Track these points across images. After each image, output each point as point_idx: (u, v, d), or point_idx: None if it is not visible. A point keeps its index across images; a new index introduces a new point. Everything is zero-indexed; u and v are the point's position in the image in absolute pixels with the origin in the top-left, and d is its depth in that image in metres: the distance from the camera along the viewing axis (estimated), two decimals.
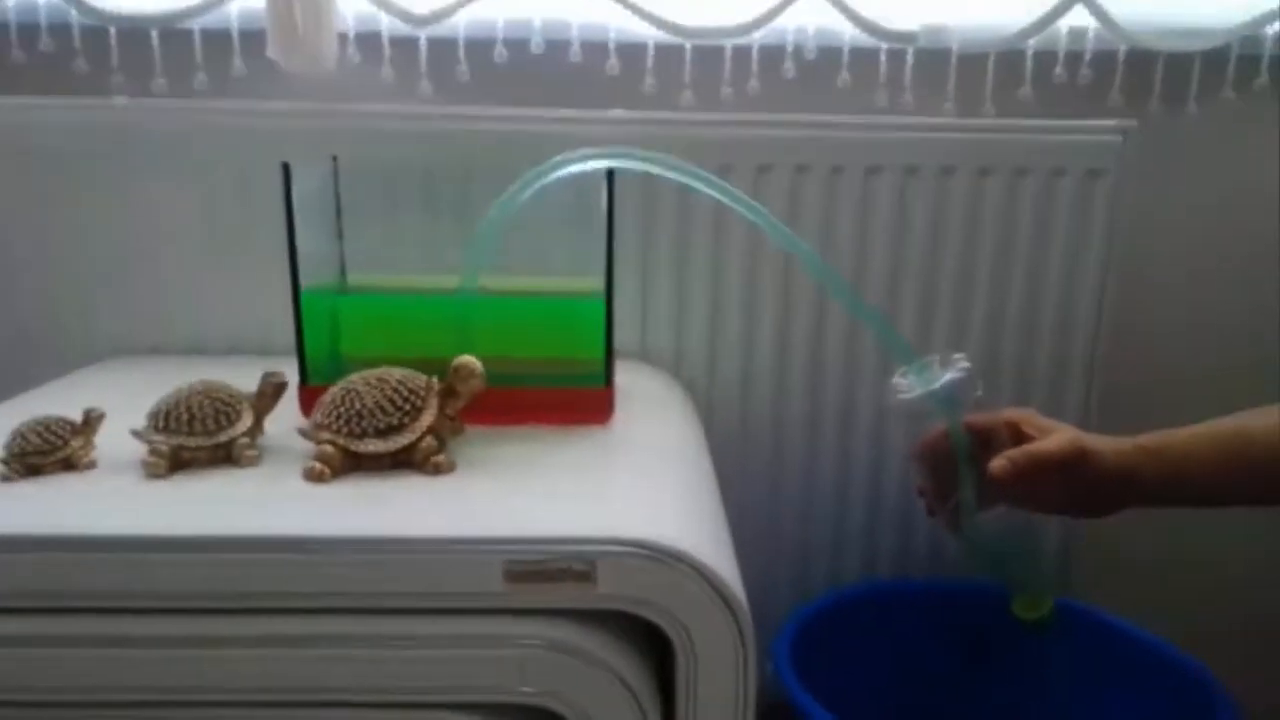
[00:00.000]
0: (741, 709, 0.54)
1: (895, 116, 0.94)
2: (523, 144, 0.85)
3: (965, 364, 0.72)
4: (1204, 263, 0.99)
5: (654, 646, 0.55)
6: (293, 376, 0.67)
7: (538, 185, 0.68)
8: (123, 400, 0.65)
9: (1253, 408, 0.67)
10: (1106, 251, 0.89)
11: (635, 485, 0.61)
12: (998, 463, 0.70)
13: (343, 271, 0.77)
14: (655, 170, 0.68)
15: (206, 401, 0.61)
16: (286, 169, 0.66)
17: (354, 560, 0.52)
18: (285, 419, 0.65)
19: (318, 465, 0.59)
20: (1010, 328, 0.91)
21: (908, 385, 0.71)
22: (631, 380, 0.84)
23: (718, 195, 0.68)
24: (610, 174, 0.67)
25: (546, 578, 0.52)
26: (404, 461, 0.61)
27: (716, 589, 0.53)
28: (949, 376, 0.70)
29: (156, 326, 0.90)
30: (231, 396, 0.63)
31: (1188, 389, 0.76)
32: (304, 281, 0.68)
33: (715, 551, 0.55)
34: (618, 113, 0.88)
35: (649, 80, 0.94)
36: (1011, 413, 0.74)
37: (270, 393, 0.64)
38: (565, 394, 0.70)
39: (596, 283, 0.68)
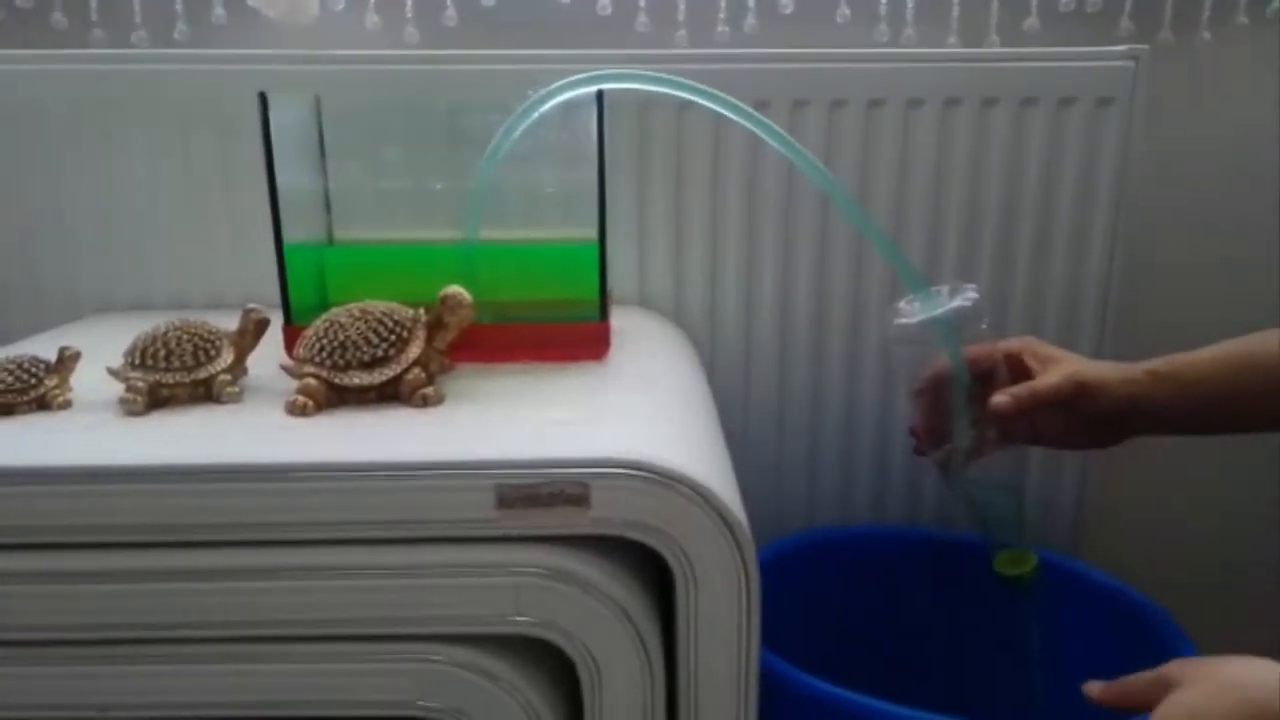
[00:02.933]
0: (744, 636, 0.51)
1: (897, 49, 0.91)
2: (514, 86, 0.82)
3: (973, 294, 0.69)
4: (1218, 193, 0.96)
5: (654, 575, 0.53)
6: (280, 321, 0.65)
7: (538, 112, 0.66)
8: (103, 348, 0.62)
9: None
10: (1119, 181, 0.86)
11: (631, 412, 0.58)
12: (999, 398, 0.68)
13: (329, 222, 0.75)
14: (657, 89, 0.65)
15: (185, 337, 0.59)
16: (263, 98, 0.63)
17: (338, 487, 0.49)
18: (271, 361, 0.63)
19: (300, 398, 0.57)
20: (1021, 261, 0.88)
21: (911, 311, 0.68)
22: (630, 324, 0.81)
23: (720, 109, 0.65)
24: (600, 98, 0.64)
25: (539, 502, 0.50)
26: (390, 395, 0.59)
27: (717, 511, 0.50)
28: (954, 303, 0.68)
29: (139, 282, 0.88)
30: (211, 333, 0.60)
31: (1202, 320, 0.73)
32: (289, 228, 0.66)
33: (715, 473, 0.52)
34: (611, 52, 0.85)
35: (641, 19, 0.92)
36: (1013, 342, 0.71)
37: (252, 329, 0.62)
38: (559, 330, 0.67)
39: (590, 231, 0.66)
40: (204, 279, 0.88)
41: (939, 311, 0.68)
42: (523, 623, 0.50)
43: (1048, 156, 0.86)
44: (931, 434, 0.74)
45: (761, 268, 0.89)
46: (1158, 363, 0.66)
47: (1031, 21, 0.92)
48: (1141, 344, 0.73)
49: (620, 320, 0.78)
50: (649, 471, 0.50)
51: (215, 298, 0.88)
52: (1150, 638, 0.73)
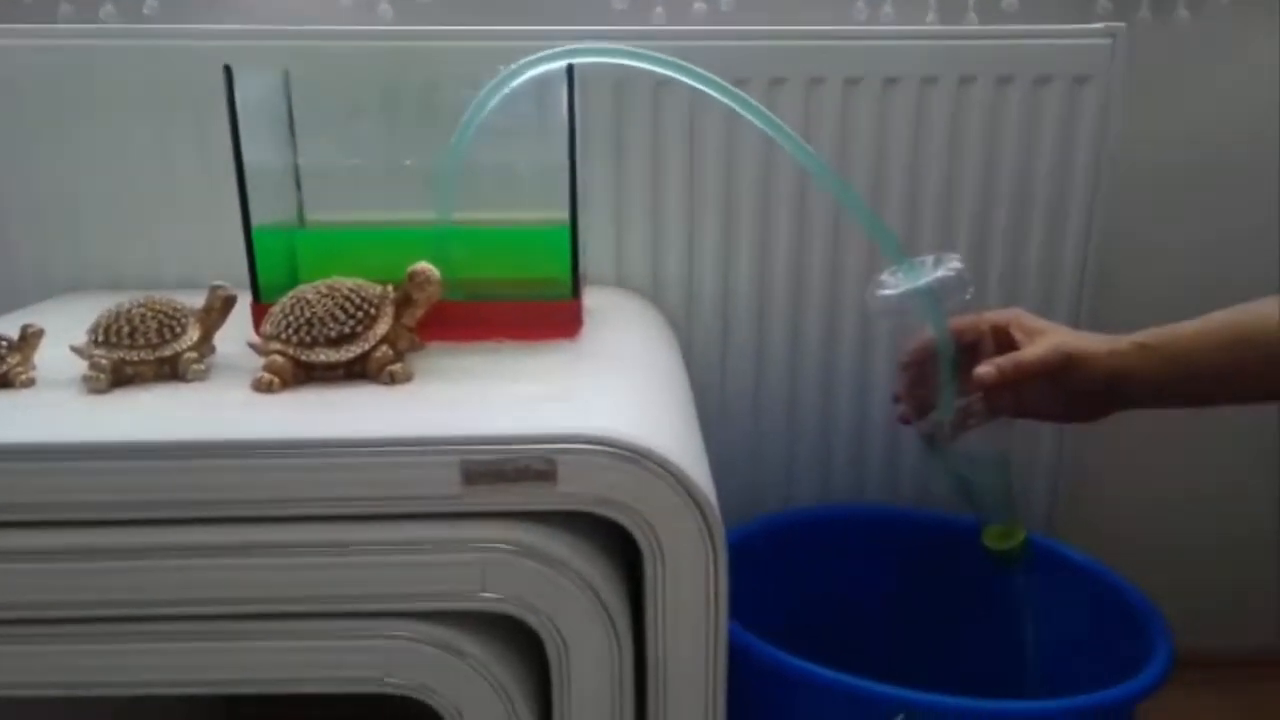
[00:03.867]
0: (712, 613, 0.51)
1: (875, 27, 0.91)
2: (488, 62, 0.81)
3: (957, 263, 0.69)
4: (1196, 173, 0.96)
5: (622, 552, 0.53)
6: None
7: (508, 88, 0.65)
8: (72, 327, 0.62)
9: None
10: (1096, 159, 0.85)
11: (601, 388, 0.58)
12: (983, 369, 0.67)
13: (300, 200, 0.74)
14: (629, 63, 0.65)
15: (149, 314, 0.58)
16: (229, 72, 0.62)
17: (303, 464, 0.49)
18: (241, 339, 0.62)
19: (266, 376, 0.56)
20: (998, 239, 0.88)
21: (894, 282, 0.68)
22: (606, 303, 0.81)
23: (697, 84, 0.64)
24: (571, 74, 0.64)
25: (506, 478, 0.50)
26: (358, 372, 0.58)
27: (685, 487, 0.50)
28: (938, 273, 0.67)
29: (111, 262, 0.87)
30: (176, 310, 0.60)
31: (1179, 299, 0.72)
32: (259, 207, 0.65)
33: (684, 450, 0.52)
34: (586, 28, 0.84)
35: None
36: (999, 314, 0.71)
37: (219, 307, 0.61)
38: (531, 308, 0.67)
39: (564, 210, 0.65)
40: (178, 259, 0.87)
41: (922, 282, 0.68)
42: (490, 599, 0.50)
43: (1025, 135, 0.86)
44: (916, 406, 0.74)
45: (739, 246, 0.89)
46: (1145, 335, 0.66)
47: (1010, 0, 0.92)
48: (1118, 322, 0.73)
49: (595, 300, 0.78)
50: (617, 447, 0.49)
51: (189, 277, 0.87)
52: (1124, 615, 0.74)
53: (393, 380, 0.58)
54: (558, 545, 0.50)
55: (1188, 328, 0.65)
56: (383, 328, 0.59)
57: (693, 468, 0.51)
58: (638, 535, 0.50)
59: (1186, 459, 1.02)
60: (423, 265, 0.59)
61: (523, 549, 0.50)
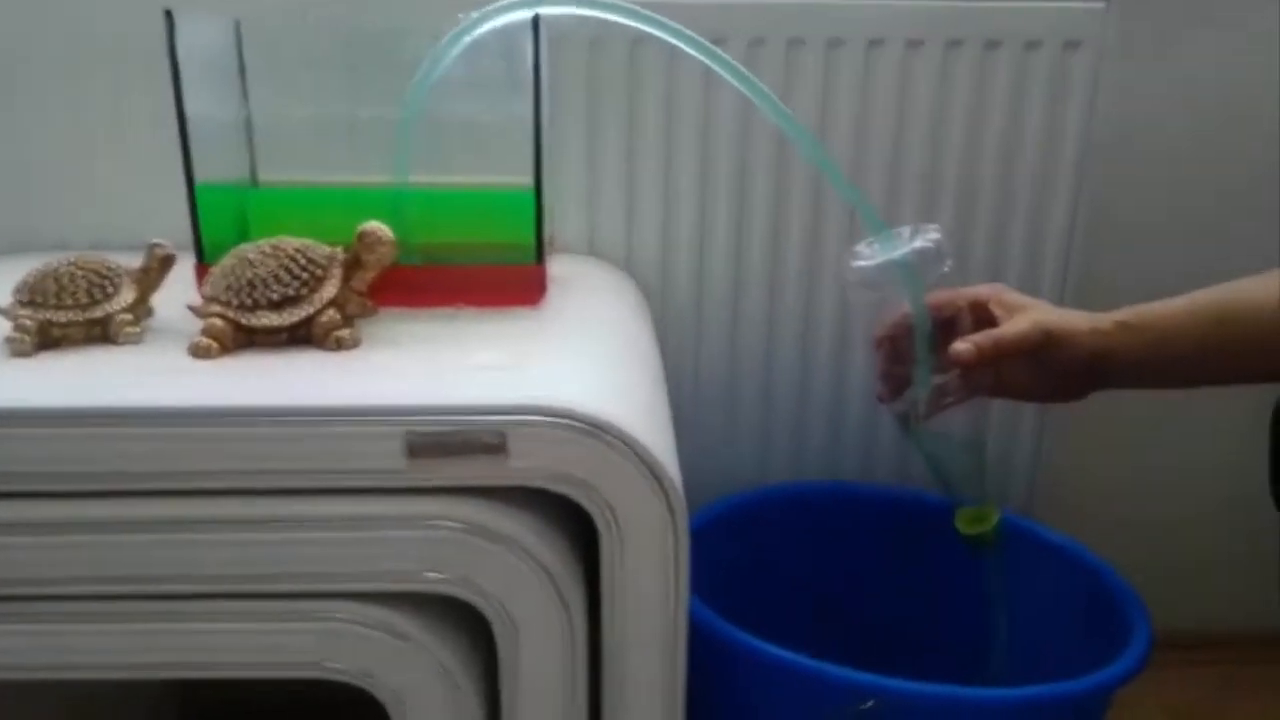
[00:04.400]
0: (673, 596, 0.49)
1: None
2: (452, 9, 0.77)
3: (936, 234, 0.66)
4: (1190, 143, 0.93)
5: (578, 531, 0.50)
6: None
7: (469, 38, 0.62)
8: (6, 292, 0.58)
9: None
10: (1085, 127, 0.82)
11: (561, 358, 0.55)
12: (960, 345, 0.65)
13: (252, 157, 0.70)
14: (601, 14, 0.61)
15: (79, 273, 0.55)
16: (169, 18, 0.58)
17: (233, 434, 0.46)
18: (184, 302, 0.58)
19: (204, 340, 0.53)
20: (983, 211, 0.85)
21: (870, 253, 0.65)
22: (575, 271, 0.77)
23: (672, 38, 0.61)
24: (536, 25, 0.60)
25: (453, 451, 0.47)
26: (303, 338, 0.55)
27: (646, 464, 0.47)
28: (915, 245, 0.65)
29: (59, 223, 0.83)
30: (109, 269, 0.56)
31: (1167, 273, 0.70)
32: (206, 163, 0.61)
33: (647, 424, 0.49)
34: None
35: None
36: (979, 289, 0.68)
37: (156, 266, 0.58)
38: (491, 272, 0.64)
39: (527, 175, 0.62)
40: (129, 219, 0.82)
41: (899, 253, 0.65)
42: (435, 580, 0.47)
43: (1012, 102, 0.82)
44: (891, 383, 0.71)
45: (716, 215, 0.85)
46: (1126, 313, 0.63)
47: None
48: (1104, 295, 0.70)
49: (565, 268, 0.75)
50: (574, 419, 0.46)
51: (139, 237, 0.83)
52: (1102, 597, 0.72)
53: (339, 346, 0.55)
54: (509, 523, 0.47)
55: (1171, 306, 0.62)
56: (329, 291, 0.55)
57: (656, 443, 0.48)
58: (595, 514, 0.47)
59: (1165, 438, 1.00)
60: (373, 225, 0.56)
61: (471, 527, 0.47)
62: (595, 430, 0.46)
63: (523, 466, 0.47)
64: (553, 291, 0.67)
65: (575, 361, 0.55)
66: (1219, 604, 1.05)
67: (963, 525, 0.72)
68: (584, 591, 0.49)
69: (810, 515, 0.85)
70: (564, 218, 0.84)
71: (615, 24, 0.64)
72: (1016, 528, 0.75)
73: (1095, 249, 0.88)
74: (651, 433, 0.49)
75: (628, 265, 0.87)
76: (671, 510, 0.48)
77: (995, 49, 0.82)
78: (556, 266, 0.72)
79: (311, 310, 0.54)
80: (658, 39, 0.63)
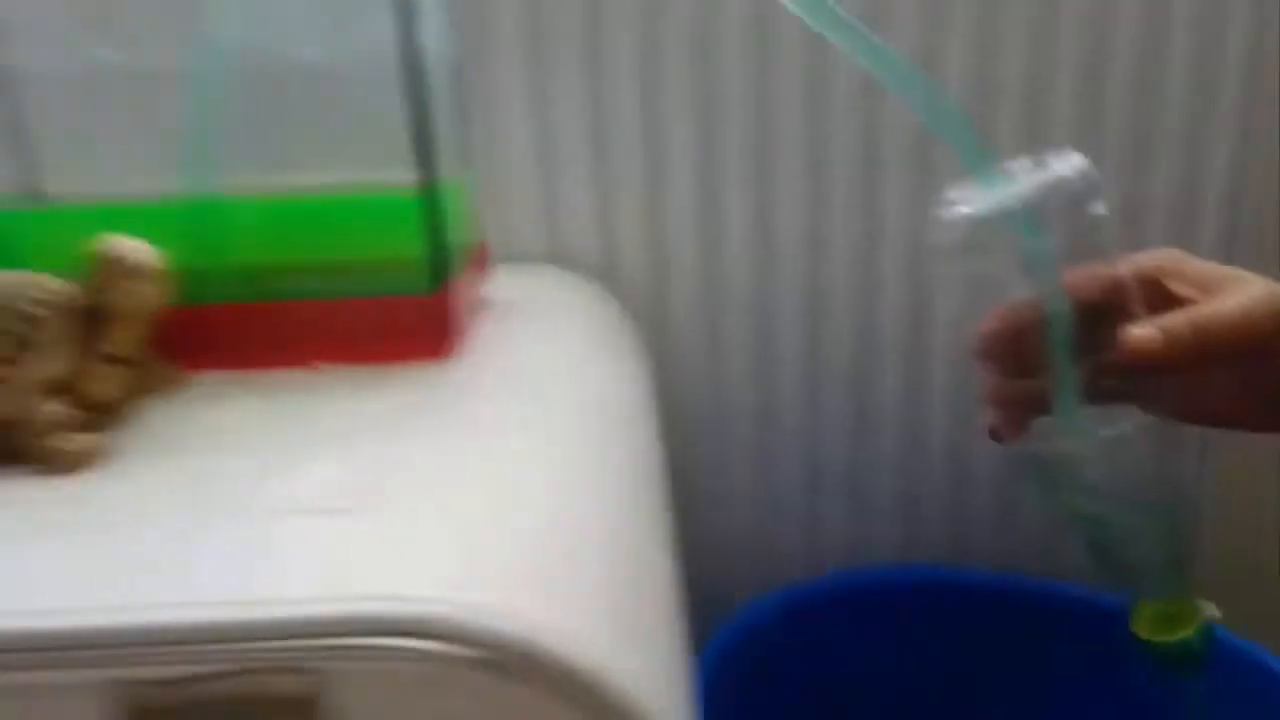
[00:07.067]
0: None
1: None
2: None
3: (1078, 161, 0.42)
4: None
5: None
6: None
7: None
8: None
9: None
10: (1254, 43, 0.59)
11: (457, 491, 0.31)
12: (1139, 333, 0.41)
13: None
14: None
15: None
16: None
17: None
18: None
19: None
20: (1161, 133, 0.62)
21: (970, 200, 0.41)
22: (523, 291, 0.54)
23: None
24: None
25: (211, 717, 0.23)
26: (8, 447, 0.31)
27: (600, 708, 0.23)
28: (1041, 179, 0.41)
29: None
30: None
31: None
32: None
33: (609, 641, 0.25)
34: None
35: None
36: (1147, 257, 0.44)
37: None
38: (365, 308, 0.40)
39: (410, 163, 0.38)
40: None
41: (1017, 193, 0.41)
42: None
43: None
44: (1011, 410, 0.47)
45: (726, 190, 0.63)
46: None
47: None
48: None
49: (509, 287, 0.52)
50: (458, 643, 0.23)
51: None
52: None
53: (60, 465, 0.31)
54: None
55: None
56: (52, 363, 0.31)
57: (625, 672, 0.24)
58: None
59: None
60: (125, 244, 0.32)
61: None
62: (500, 660, 0.22)
63: None
64: (483, 329, 0.44)
65: (482, 492, 0.30)
66: None
67: (1147, 629, 0.48)
68: None
69: (886, 614, 0.65)
70: (509, 213, 0.61)
71: None
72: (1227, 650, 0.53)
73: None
74: (621, 653, 0.25)
75: (606, 275, 0.64)
76: None
77: None
78: (496, 285, 0.50)
79: (16, 402, 0.30)
80: None
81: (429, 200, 0.39)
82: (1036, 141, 0.59)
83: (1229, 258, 0.49)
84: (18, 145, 0.44)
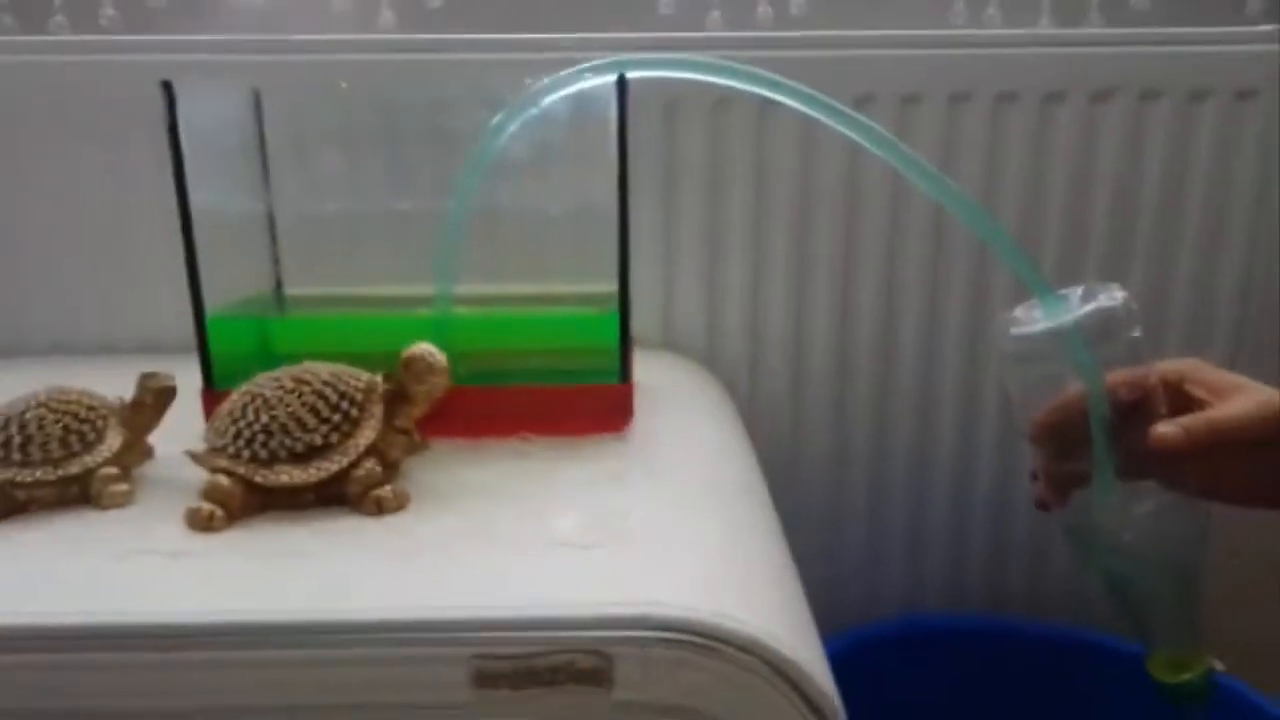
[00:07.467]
0: None
1: (979, 31, 0.75)
2: (509, 76, 0.66)
3: (1118, 295, 0.52)
4: None
5: None
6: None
7: (539, 106, 0.50)
8: None
9: None
10: (1261, 190, 0.69)
11: (664, 519, 0.42)
12: (1165, 429, 0.50)
13: (275, 253, 0.59)
14: (711, 78, 0.49)
15: (50, 417, 0.43)
16: (168, 89, 0.47)
17: (234, 659, 0.33)
18: (191, 430, 0.46)
19: (205, 506, 0.41)
20: (1183, 272, 0.72)
21: (1032, 319, 0.51)
22: (654, 375, 0.65)
23: (800, 104, 0.48)
24: (623, 87, 0.48)
25: (536, 680, 0.34)
26: (334, 496, 0.43)
27: (802, 693, 0.34)
28: (1090, 306, 0.51)
29: (60, 320, 0.72)
30: (91, 410, 0.44)
31: None
32: (218, 264, 0.50)
33: (795, 635, 0.36)
34: (629, 35, 0.69)
35: None
36: (1170, 366, 0.53)
37: (151, 402, 0.46)
38: (566, 394, 0.51)
39: (606, 277, 0.50)
40: (137, 316, 0.72)
41: (1070, 317, 0.51)
42: None
43: (1172, 162, 0.70)
44: (1057, 485, 0.56)
45: (814, 296, 0.73)
46: None
47: None
48: None
49: (641, 371, 0.62)
50: (703, 635, 0.33)
51: (149, 339, 0.72)
52: None
53: (379, 509, 0.42)
54: None
55: None
56: (368, 435, 0.43)
57: (812, 664, 0.35)
58: None
59: None
60: (423, 349, 0.44)
61: None
62: (734, 651, 0.33)
63: (630, 699, 0.34)
64: (636, 408, 0.55)
65: (688, 528, 0.42)
66: None
67: (1160, 672, 0.56)
68: None
69: (939, 660, 0.71)
70: (635, 305, 0.72)
71: (695, 83, 0.52)
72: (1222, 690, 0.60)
73: (1274, 324, 0.74)
74: (801, 646, 0.36)
75: (708, 358, 0.75)
76: None
77: (1153, 101, 0.69)
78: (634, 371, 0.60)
79: (345, 462, 0.42)
80: (743, 98, 0.50)
81: (624, 308, 0.51)
82: (1077, 260, 0.71)
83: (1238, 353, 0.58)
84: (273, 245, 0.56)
